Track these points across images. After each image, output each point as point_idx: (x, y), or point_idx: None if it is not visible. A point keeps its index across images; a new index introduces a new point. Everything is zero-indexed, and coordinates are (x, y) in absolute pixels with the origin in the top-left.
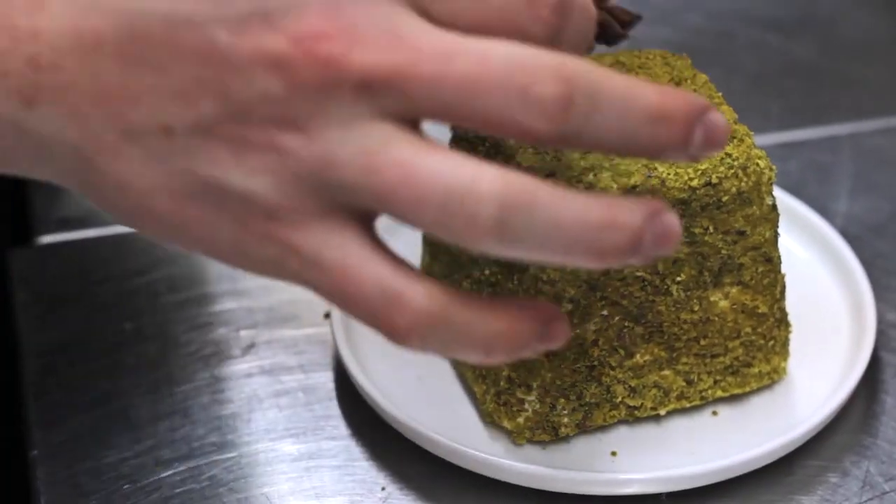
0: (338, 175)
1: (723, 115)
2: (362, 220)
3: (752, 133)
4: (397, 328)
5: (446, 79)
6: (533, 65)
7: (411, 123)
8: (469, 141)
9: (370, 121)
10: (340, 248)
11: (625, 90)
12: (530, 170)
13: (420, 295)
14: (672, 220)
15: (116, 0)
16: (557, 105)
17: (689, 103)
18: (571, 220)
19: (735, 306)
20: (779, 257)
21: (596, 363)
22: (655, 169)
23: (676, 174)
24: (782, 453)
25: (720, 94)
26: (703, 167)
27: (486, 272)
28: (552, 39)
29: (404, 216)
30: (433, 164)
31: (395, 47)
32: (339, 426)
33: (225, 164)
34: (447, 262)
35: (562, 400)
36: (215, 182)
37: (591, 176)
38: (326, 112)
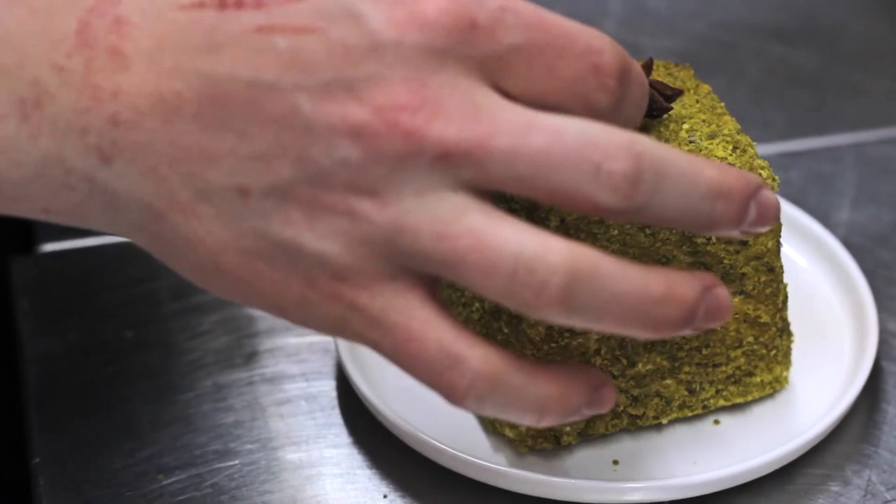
0: (409, 241)
1: (773, 194)
2: (427, 284)
3: (754, 143)
4: (456, 389)
5: (522, 153)
6: (605, 141)
7: (483, 194)
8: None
9: (444, 190)
10: (405, 310)
11: (688, 168)
12: None
13: (479, 359)
14: (724, 294)
15: (199, 64)
16: (627, 181)
17: (745, 181)
18: (633, 292)
19: (737, 316)
20: (781, 267)
21: None
22: None
23: None
24: (784, 462)
25: (723, 104)
26: None
27: None
28: (614, 108)
29: (473, 283)
30: (504, 233)
31: (474, 121)
32: (342, 434)
33: (298, 225)
34: None
35: None
36: (287, 243)
37: None
38: (402, 181)
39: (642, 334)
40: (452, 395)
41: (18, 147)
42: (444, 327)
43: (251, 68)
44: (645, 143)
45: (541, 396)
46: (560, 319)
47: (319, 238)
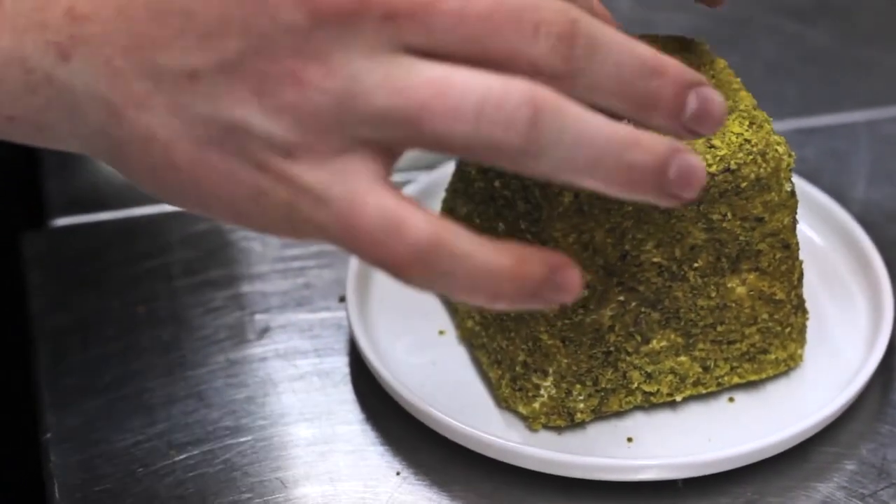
0: (364, 103)
1: (719, 94)
2: (380, 158)
3: (770, 119)
4: (399, 256)
5: (466, 14)
6: (544, 5)
7: (431, 58)
8: None
9: (393, 52)
10: (350, 182)
11: (623, 40)
12: None
13: (422, 221)
14: (695, 160)
15: None
16: (564, 42)
17: (683, 68)
18: (599, 130)
19: (752, 293)
20: (797, 244)
21: (612, 349)
22: None
23: None
24: (799, 440)
25: (738, 79)
26: (721, 153)
27: None
28: None
29: (438, 132)
30: (465, 76)
31: None
32: (354, 411)
33: (247, 104)
34: None
35: (577, 386)
36: (237, 124)
37: None
38: (349, 44)
39: (613, 183)
40: (398, 265)
41: None
42: (388, 195)
43: None
44: (580, 12)
45: (492, 265)
46: (530, 162)
47: (268, 115)
